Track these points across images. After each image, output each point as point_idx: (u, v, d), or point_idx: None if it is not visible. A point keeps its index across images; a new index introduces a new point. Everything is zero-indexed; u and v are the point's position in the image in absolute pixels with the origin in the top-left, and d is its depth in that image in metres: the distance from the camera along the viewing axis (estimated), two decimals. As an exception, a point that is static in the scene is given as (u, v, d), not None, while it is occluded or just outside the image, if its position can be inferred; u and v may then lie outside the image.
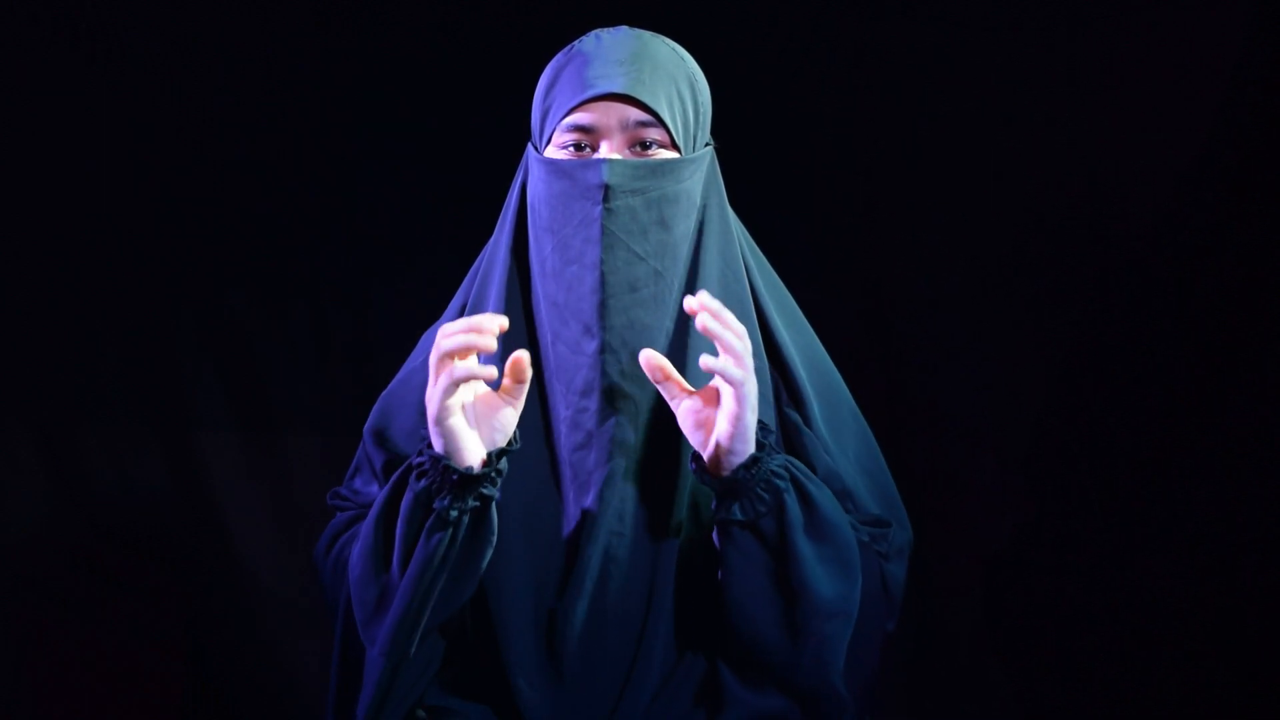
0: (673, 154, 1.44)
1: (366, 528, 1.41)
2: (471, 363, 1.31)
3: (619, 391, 1.43)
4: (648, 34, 1.48)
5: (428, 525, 1.34)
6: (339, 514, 1.57)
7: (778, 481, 1.37)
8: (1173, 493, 2.02)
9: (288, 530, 2.18)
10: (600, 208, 1.41)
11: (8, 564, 2.10)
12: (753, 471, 1.36)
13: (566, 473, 1.46)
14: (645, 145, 1.43)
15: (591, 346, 1.43)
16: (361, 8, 2.11)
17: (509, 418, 1.37)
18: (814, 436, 1.50)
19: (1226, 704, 1.99)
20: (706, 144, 1.50)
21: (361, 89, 2.13)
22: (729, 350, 1.32)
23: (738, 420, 1.33)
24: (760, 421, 1.38)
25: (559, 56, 1.48)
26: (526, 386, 1.36)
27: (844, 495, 1.48)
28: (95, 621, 2.12)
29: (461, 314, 1.54)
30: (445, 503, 1.33)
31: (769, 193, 1.87)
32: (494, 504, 1.36)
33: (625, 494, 1.44)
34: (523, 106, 1.53)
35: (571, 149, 1.44)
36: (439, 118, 2.13)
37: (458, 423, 1.33)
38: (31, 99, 2.09)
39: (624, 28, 1.48)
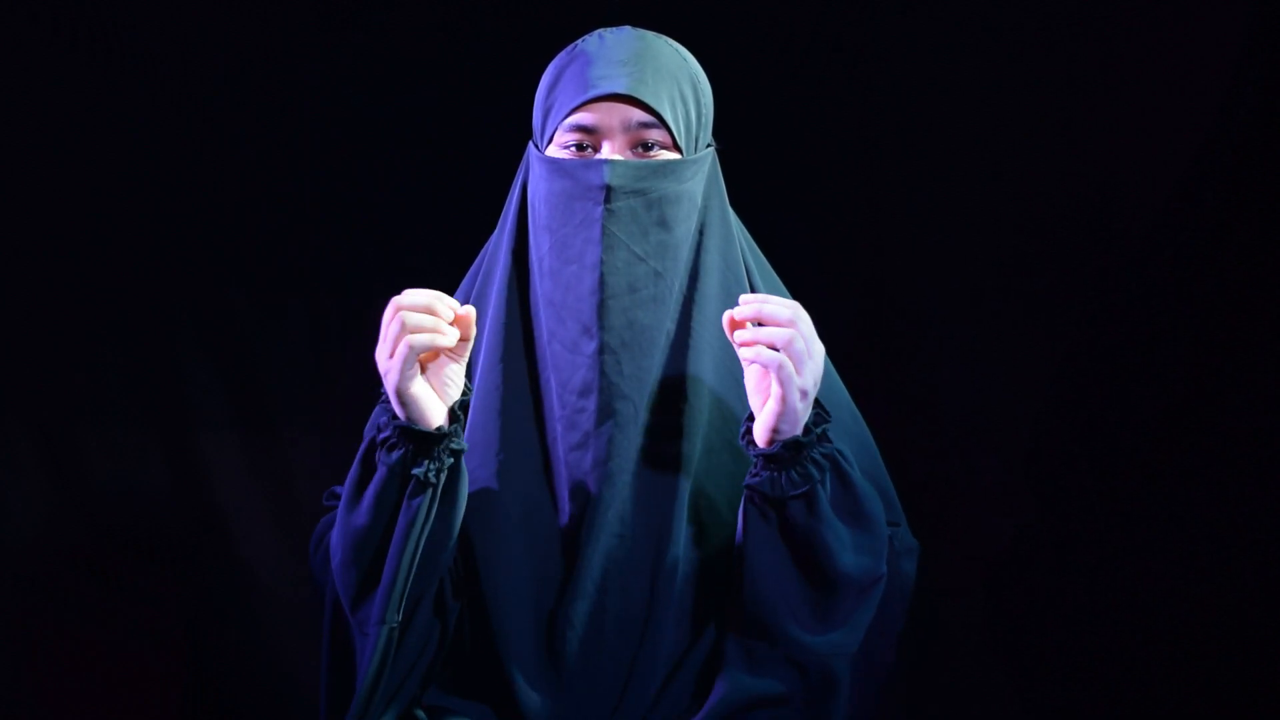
0: (674, 155, 1.44)
1: (341, 512, 1.41)
2: (430, 338, 1.30)
3: (618, 393, 1.42)
4: (650, 34, 1.48)
5: (409, 491, 1.35)
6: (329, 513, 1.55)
7: (814, 470, 1.35)
8: (1173, 493, 2.02)
9: (288, 530, 2.18)
10: (601, 208, 1.41)
11: (8, 564, 2.10)
12: (792, 453, 1.34)
13: (562, 472, 1.45)
14: (647, 146, 1.43)
15: (590, 347, 1.42)
16: (361, 7, 2.11)
17: (456, 371, 1.37)
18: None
19: (1226, 704, 1.99)
20: (708, 145, 1.50)
21: (361, 88, 2.13)
22: (773, 320, 1.32)
23: (782, 401, 1.32)
24: (820, 406, 1.37)
25: (561, 55, 1.48)
26: (470, 344, 1.36)
27: None
28: (95, 621, 2.12)
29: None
30: (423, 466, 1.34)
31: (769, 193, 1.86)
32: (463, 457, 1.37)
33: (625, 495, 1.43)
34: (523, 106, 1.53)
35: (573, 149, 1.44)
36: (439, 118, 2.13)
37: (419, 388, 1.34)
38: (32, 99, 2.09)
39: (627, 28, 1.48)
